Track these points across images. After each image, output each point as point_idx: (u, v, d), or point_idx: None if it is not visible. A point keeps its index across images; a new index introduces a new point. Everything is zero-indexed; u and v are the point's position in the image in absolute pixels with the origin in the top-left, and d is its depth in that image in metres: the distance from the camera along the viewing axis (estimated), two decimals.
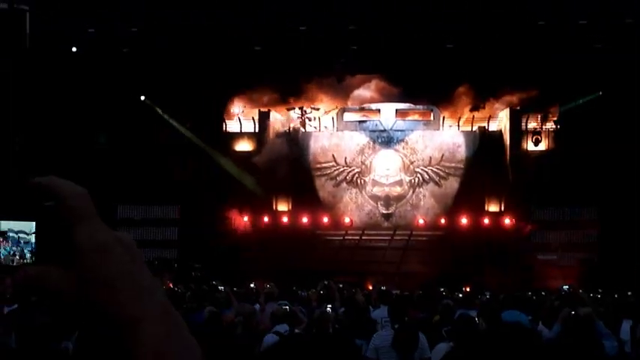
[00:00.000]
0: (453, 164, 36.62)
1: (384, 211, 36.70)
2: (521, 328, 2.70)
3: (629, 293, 18.26)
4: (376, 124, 37.14)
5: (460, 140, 36.93)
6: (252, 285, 17.12)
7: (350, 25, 33.43)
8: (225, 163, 36.04)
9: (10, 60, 26.97)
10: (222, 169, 35.79)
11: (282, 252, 31.16)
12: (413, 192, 36.81)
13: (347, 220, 36.40)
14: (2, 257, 1.06)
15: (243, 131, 37.45)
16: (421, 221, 35.90)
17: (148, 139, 34.69)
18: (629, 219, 31.10)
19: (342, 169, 36.96)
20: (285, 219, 36.20)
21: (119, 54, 34.45)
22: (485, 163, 34.94)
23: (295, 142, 37.06)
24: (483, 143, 36.13)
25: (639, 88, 30.64)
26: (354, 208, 36.95)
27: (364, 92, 38.09)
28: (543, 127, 36.16)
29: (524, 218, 34.58)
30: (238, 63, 33.61)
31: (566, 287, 15.56)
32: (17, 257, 1.05)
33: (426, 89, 35.26)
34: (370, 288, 22.74)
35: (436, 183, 36.75)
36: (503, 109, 36.70)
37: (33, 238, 1.03)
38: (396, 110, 37.04)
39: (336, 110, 37.79)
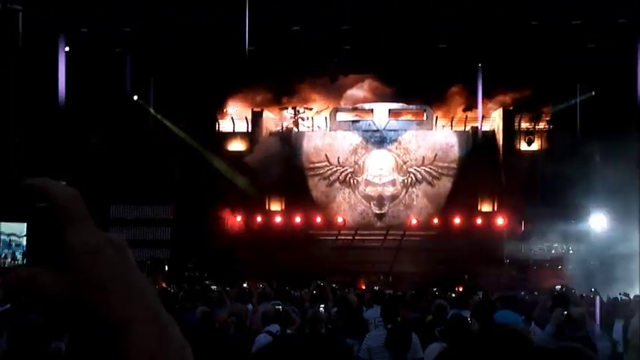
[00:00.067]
0: (446, 164, 36.68)
1: (377, 211, 36.72)
2: (513, 329, 2.71)
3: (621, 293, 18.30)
4: (369, 124, 37.16)
5: (453, 140, 36.98)
6: (245, 285, 17.16)
7: (343, 25, 33.43)
8: (219, 163, 36.03)
9: (2, 60, 26.92)
10: (215, 169, 35.79)
11: (274, 252, 31.13)
12: (406, 192, 36.84)
13: (340, 219, 36.42)
14: None
15: (236, 131, 37.48)
16: (414, 221, 35.92)
17: (141, 139, 34.68)
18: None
19: (335, 169, 36.97)
20: (278, 219, 36.20)
21: (112, 54, 34.42)
22: (478, 163, 34.97)
23: (288, 141, 37.07)
24: (476, 143, 36.21)
25: (632, 89, 30.71)
26: (347, 208, 36.96)
27: (357, 92, 38.13)
28: (536, 127, 36.23)
29: (517, 218, 34.60)
30: (231, 63, 33.59)
31: (558, 287, 15.62)
32: (9, 260, 1.05)
33: (419, 89, 35.32)
34: (363, 288, 22.78)
35: (429, 183, 36.78)
36: (496, 109, 36.76)
37: (24, 241, 1.03)
38: (389, 110, 37.07)
39: (329, 110, 37.81)
